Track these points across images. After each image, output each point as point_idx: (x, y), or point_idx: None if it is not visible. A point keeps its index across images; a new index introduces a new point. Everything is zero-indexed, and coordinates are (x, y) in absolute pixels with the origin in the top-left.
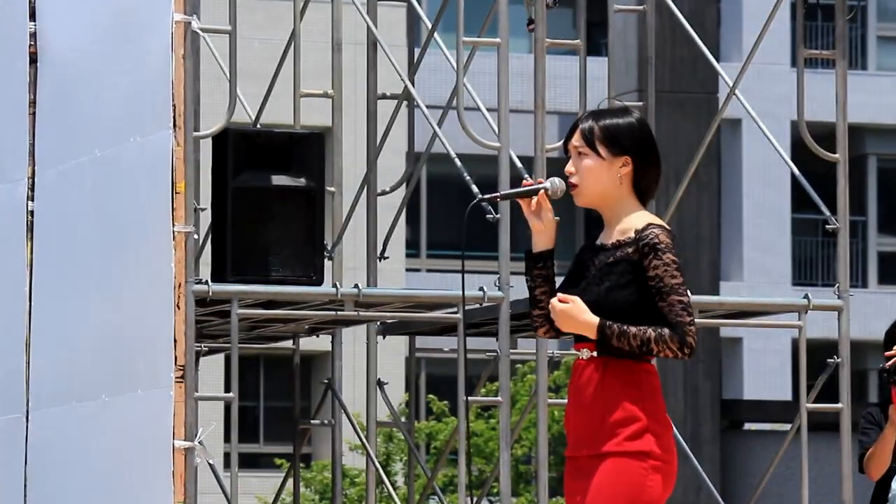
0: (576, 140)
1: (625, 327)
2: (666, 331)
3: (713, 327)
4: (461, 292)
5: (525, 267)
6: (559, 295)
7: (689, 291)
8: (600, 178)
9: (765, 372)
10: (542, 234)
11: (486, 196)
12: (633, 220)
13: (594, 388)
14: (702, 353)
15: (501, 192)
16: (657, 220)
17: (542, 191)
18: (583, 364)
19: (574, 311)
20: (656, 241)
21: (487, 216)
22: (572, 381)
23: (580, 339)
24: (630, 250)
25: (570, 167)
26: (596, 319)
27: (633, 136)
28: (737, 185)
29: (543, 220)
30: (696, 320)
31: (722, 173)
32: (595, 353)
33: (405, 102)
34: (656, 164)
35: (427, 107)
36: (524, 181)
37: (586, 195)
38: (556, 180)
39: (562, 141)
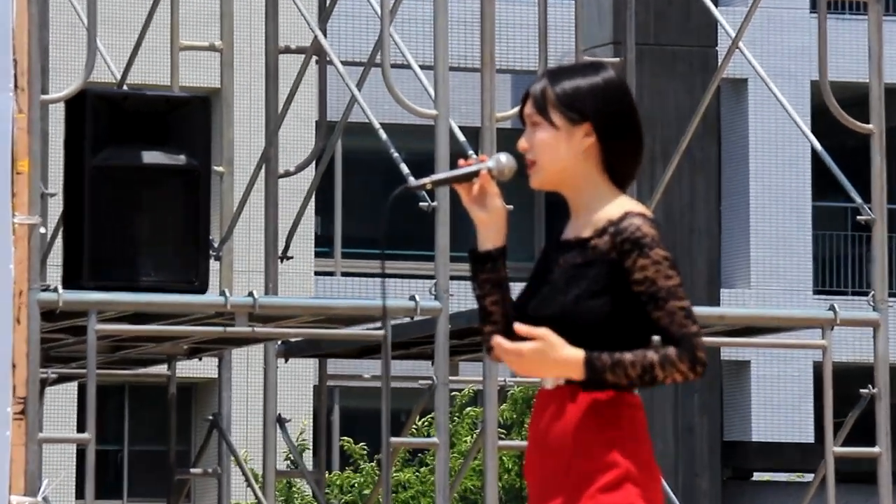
0: (528, 107)
1: (617, 356)
2: (671, 350)
3: (712, 347)
4: (384, 302)
5: (470, 270)
6: (517, 327)
7: (686, 296)
8: (556, 152)
9: (779, 406)
10: (489, 228)
11: (415, 183)
12: (607, 209)
13: (562, 425)
14: (696, 382)
15: (433, 177)
16: (638, 207)
17: (484, 172)
18: (547, 395)
19: (547, 350)
20: (638, 234)
21: (420, 204)
22: (534, 416)
23: None
24: (604, 247)
25: (522, 141)
26: (580, 354)
27: (596, 96)
28: (742, 165)
29: (489, 209)
30: None
31: (722, 149)
32: (562, 381)
33: (315, 58)
34: (632, 134)
35: (343, 63)
36: (462, 161)
37: (541, 175)
38: (503, 157)
39: (517, 108)
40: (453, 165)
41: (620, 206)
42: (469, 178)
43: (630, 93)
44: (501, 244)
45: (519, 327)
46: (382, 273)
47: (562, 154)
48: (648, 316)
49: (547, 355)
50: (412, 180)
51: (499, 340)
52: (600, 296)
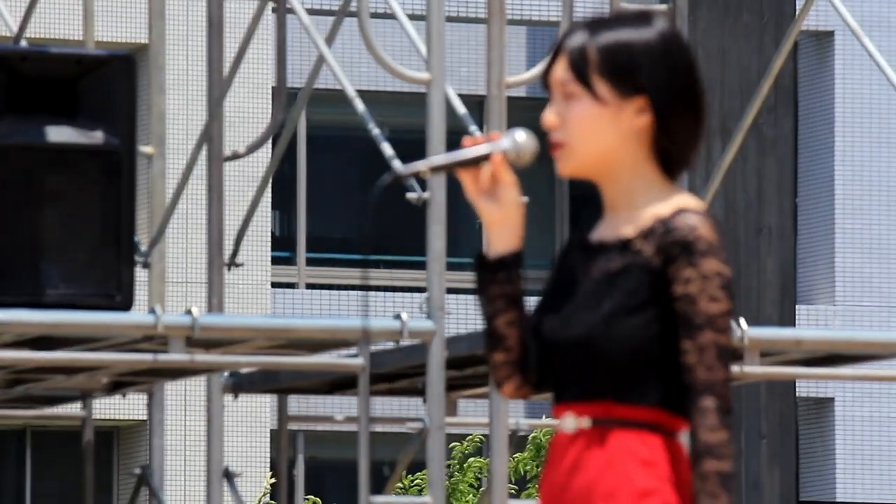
0: (560, 70)
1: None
2: (709, 416)
3: (784, 380)
4: (363, 322)
5: (477, 282)
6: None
7: (730, 331)
8: (599, 133)
9: (871, 456)
10: (502, 228)
11: (407, 168)
12: (656, 204)
13: (586, 478)
14: (763, 424)
15: (431, 160)
16: (696, 204)
17: (497, 155)
18: (565, 441)
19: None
20: (692, 236)
21: (408, 196)
22: (548, 467)
23: (562, 398)
24: (649, 251)
25: (551, 115)
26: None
27: (654, 61)
28: (825, 144)
29: (502, 203)
30: (756, 370)
31: (800, 123)
32: (587, 422)
33: (271, 5)
34: (694, 109)
35: (308, 12)
36: (467, 141)
37: (574, 160)
38: (521, 135)
39: (537, 70)
40: (454, 146)
41: (673, 201)
42: (477, 162)
43: (689, 51)
44: (517, 248)
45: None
46: (365, 285)
47: (606, 135)
48: (679, 344)
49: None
50: (401, 166)
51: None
52: (639, 313)
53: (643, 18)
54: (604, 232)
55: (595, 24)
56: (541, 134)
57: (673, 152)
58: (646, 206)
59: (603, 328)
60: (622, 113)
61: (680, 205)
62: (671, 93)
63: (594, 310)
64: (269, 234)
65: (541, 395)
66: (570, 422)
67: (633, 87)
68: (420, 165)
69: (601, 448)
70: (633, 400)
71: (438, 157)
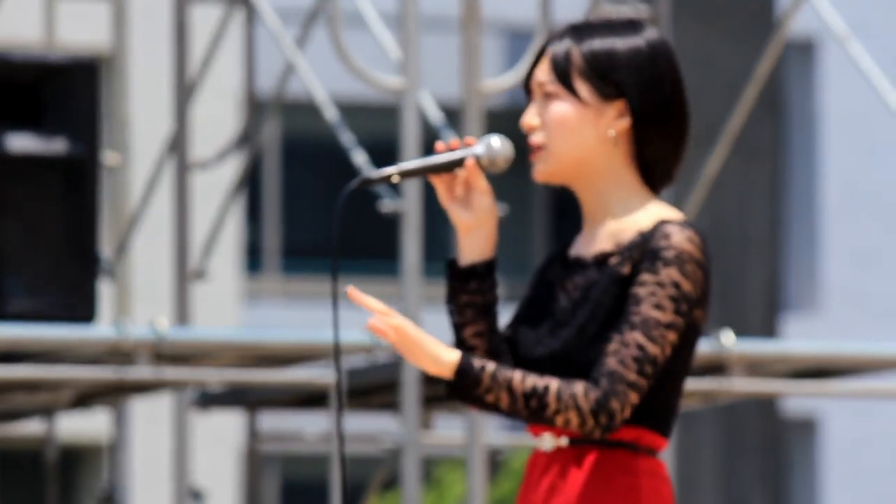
0: (542, 72)
1: (507, 371)
2: (579, 384)
3: (769, 398)
4: (334, 336)
5: (447, 290)
6: (349, 290)
7: (665, 347)
8: (578, 135)
9: (865, 478)
10: (475, 235)
11: (377, 173)
12: (636, 215)
13: (563, 501)
14: (750, 441)
15: (402, 165)
16: (675, 215)
17: (470, 160)
18: (543, 460)
19: (410, 335)
20: (663, 243)
21: (380, 202)
22: (525, 487)
23: None
24: (626, 267)
25: (529, 117)
26: (450, 354)
27: (639, 65)
28: (810, 152)
29: (476, 210)
30: (736, 385)
31: (786, 130)
32: (565, 441)
33: (239, 9)
34: (677, 120)
35: (278, 16)
36: (440, 146)
37: (552, 163)
38: (496, 140)
39: (511, 75)
40: (428, 152)
41: (654, 213)
42: (450, 167)
43: (674, 60)
44: (490, 256)
45: (352, 292)
46: (334, 296)
47: (584, 137)
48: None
49: (410, 340)
50: (371, 171)
51: (353, 290)
52: (613, 326)
53: (631, 25)
54: (582, 246)
55: (581, 29)
56: (517, 142)
57: (653, 162)
58: (624, 214)
59: (577, 343)
60: (602, 116)
61: (661, 216)
62: (652, 99)
63: (569, 325)
64: (240, 243)
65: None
66: (548, 441)
67: (614, 90)
68: (391, 169)
69: (579, 469)
70: None
71: (410, 162)
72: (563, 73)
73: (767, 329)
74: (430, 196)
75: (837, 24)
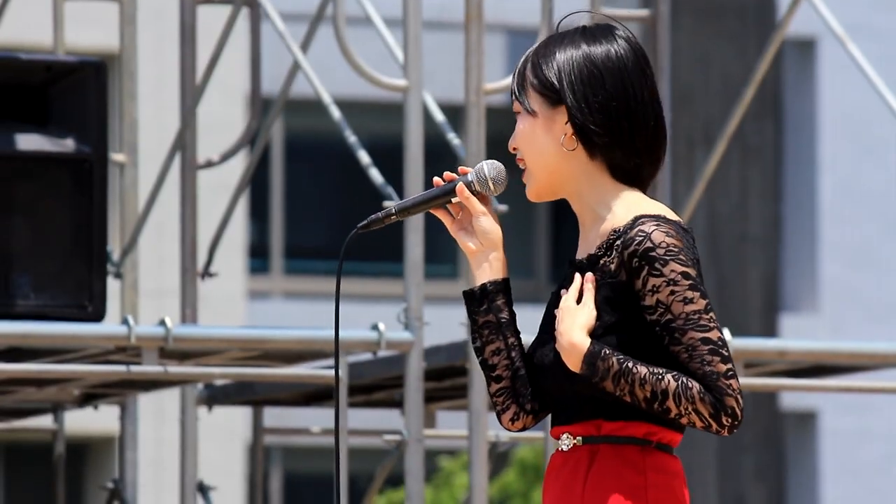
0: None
1: (630, 364)
2: (695, 385)
3: (768, 392)
4: (335, 332)
5: (468, 317)
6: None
7: (718, 327)
8: (538, 144)
9: (860, 470)
10: (481, 258)
11: (375, 215)
12: (615, 213)
13: (575, 497)
14: (748, 436)
15: (400, 203)
16: (653, 209)
17: (460, 186)
18: (560, 459)
19: (570, 315)
20: (647, 244)
21: (385, 205)
22: (547, 486)
23: (557, 419)
24: (613, 265)
25: (510, 139)
26: (584, 342)
27: (571, 70)
28: (809, 152)
29: (479, 233)
30: (739, 381)
31: (784, 131)
32: (578, 440)
33: (245, 10)
34: (622, 122)
35: (282, 18)
36: (436, 181)
37: (534, 179)
38: (487, 165)
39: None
40: (429, 151)
41: (629, 209)
42: (445, 197)
43: (637, 67)
44: (500, 276)
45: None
46: (336, 297)
47: (545, 146)
48: (669, 353)
49: (565, 322)
50: (371, 215)
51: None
52: (614, 328)
53: (588, 33)
54: (580, 250)
55: (545, 42)
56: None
57: (614, 164)
58: (608, 215)
59: None
60: (554, 122)
61: (636, 212)
62: (586, 103)
63: None
64: (245, 243)
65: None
66: (566, 440)
67: (555, 96)
68: (390, 208)
69: (589, 467)
70: (622, 416)
71: (407, 199)
72: (519, 89)
73: (766, 327)
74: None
75: (836, 25)
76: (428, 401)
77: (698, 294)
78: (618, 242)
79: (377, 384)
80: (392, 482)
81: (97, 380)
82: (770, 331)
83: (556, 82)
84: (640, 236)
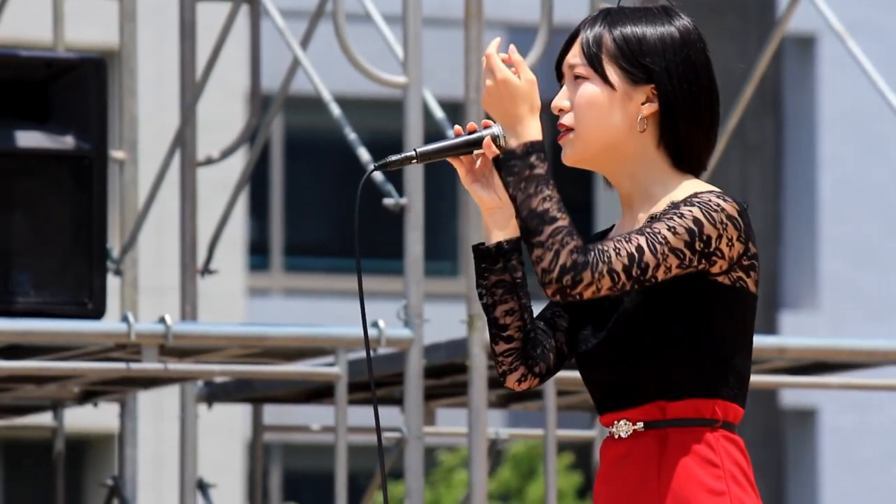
0: (573, 55)
1: (550, 182)
2: (574, 242)
3: (768, 389)
4: (343, 329)
5: (476, 271)
6: (510, 49)
7: (661, 265)
8: (607, 119)
9: (859, 466)
10: (498, 214)
11: (396, 156)
12: (672, 193)
13: (652, 485)
14: (747, 433)
15: (422, 148)
16: (715, 189)
17: (488, 139)
18: (622, 449)
19: (508, 92)
20: (692, 197)
21: (385, 201)
22: (603, 479)
23: (610, 406)
24: None
25: (558, 99)
26: (532, 133)
27: (668, 51)
28: (809, 148)
29: (497, 189)
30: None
31: (784, 127)
32: (640, 426)
33: (245, 6)
34: (703, 107)
35: (282, 15)
36: (457, 129)
37: (583, 145)
38: None
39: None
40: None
41: (689, 189)
42: (468, 148)
43: (706, 50)
44: (515, 234)
45: (508, 55)
46: (360, 287)
47: (613, 120)
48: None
49: (502, 100)
50: (390, 155)
51: (491, 51)
52: (658, 304)
53: (665, 12)
54: (618, 229)
55: (614, 14)
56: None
57: (682, 148)
58: (663, 194)
59: (628, 329)
60: (631, 100)
61: (694, 189)
62: (680, 86)
63: (618, 312)
64: (246, 239)
65: (521, 404)
66: (625, 426)
67: (643, 75)
68: (411, 153)
69: (661, 452)
70: (684, 394)
71: (429, 144)
72: (593, 56)
73: (766, 324)
74: (433, 194)
75: (836, 22)
76: (428, 398)
77: (686, 239)
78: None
79: (377, 381)
80: (391, 477)
81: (97, 377)
82: (770, 328)
83: (650, 62)
84: (692, 194)
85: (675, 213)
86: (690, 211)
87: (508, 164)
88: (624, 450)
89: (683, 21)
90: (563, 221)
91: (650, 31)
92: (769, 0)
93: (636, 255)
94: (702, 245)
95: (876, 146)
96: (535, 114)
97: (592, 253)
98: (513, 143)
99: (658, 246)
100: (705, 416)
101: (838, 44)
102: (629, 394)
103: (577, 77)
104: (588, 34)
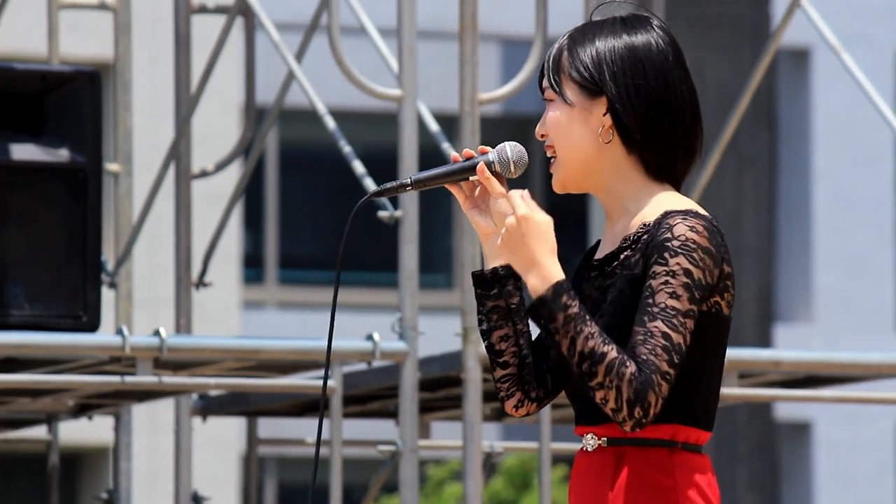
0: (544, 81)
1: (585, 318)
2: (631, 366)
3: (762, 402)
4: (328, 341)
5: (476, 299)
6: (522, 194)
7: (686, 335)
8: (571, 136)
9: (853, 479)
10: (494, 240)
11: (391, 183)
12: (645, 210)
13: (605, 500)
14: (744, 447)
15: (417, 174)
16: (685, 205)
17: (481, 166)
18: (586, 462)
19: (526, 232)
20: (668, 235)
21: (380, 214)
22: (573, 486)
23: (582, 419)
24: (632, 258)
25: (539, 126)
26: (556, 273)
27: (613, 61)
28: (803, 162)
29: (495, 216)
30: (734, 391)
31: (779, 140)
32: (603, 441)
33: (240, 19)
34: (667, 116)
35: (277, 28)
36: (454, 156)
37: (563, 169)
38: (509, 147)
39: (508, 87)
40: (423, 161)
41: (661, 205)
42: (463, 174)
43: (677, 61)
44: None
45: (522, 194)
46: (334, 302)
47: (578, 138)
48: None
49: (523, 238)
50: (386, 182)
51: (482, 168)
52: (626, 327)
53: (625, 23)
54: (603, 247)
55: (576, 33)
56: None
57: (648, 155)
58: (638, 211)
59: None
60: (591, 114)
61: (666, 207)
62: (628, 93)
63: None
64: (239, 253)
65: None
66: (591, 440)
67: (595, 87)
68: (406, 180)
69: (616, 470)
70: None
71: (425, 171)
72: (553, 76)
73: (760, 337)
74: (428, 206)
75: (830, 35)
76: (422, 411)
77: (687, 296)
78: (645, 236)
79: (372, 394)
80: (386, 490)
81: (91, 390)
82: (764, 341)
83: (597, 73)
84: (665, 228)
85: (666, 272)
86: (678, 263)
87: (543, 310)
88: (588, 463)
89: (647, 32)
90: (612, 353)
91: (601, 43)
92: (763, 13)
93: (668, 344)
94: (700, 293)
95: (870, 159)
96: (555, 253)
97: (643, 371)
98: (538, 285)
99: (675, 321)
100: (664, 438)
101: (832, 57)
102: (598, 410)
103: (548, 100)
104: (551, 56)
